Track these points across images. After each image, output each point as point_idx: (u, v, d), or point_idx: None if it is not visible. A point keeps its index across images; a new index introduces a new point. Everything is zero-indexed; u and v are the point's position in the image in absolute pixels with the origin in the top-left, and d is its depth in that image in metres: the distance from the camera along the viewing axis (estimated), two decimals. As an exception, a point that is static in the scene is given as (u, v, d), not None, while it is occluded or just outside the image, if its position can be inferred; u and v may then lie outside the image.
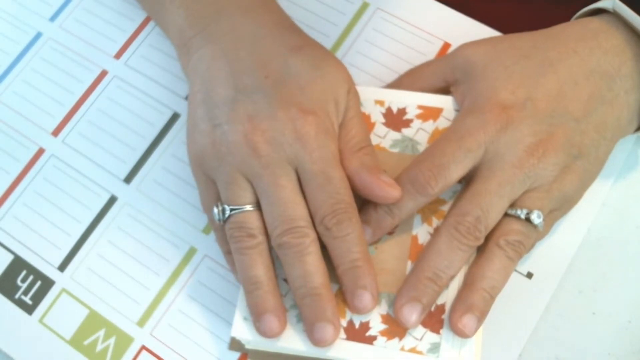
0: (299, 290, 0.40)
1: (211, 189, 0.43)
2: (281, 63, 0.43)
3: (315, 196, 0.41)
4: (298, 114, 0.41)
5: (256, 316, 0.41)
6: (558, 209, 0.42)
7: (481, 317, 0.40)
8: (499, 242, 0.41)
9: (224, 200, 0.42)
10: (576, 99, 0.42)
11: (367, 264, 0.40)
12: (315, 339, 0.40)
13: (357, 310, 0.40)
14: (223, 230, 0.43)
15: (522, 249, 0.41)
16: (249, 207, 0.41)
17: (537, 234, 0.42)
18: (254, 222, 0.41)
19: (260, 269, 0.41)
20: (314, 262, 0.40)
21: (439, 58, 0.48)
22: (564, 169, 0.41)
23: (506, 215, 0.41)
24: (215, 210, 0.42)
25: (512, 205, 0.41)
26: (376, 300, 0.41)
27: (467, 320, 0.40)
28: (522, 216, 0.41)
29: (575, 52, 0.43)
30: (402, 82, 0.48)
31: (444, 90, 0.46)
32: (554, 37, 0.44)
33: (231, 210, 0.41)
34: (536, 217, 0.41)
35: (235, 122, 0.41)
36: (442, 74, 0.46)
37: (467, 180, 0.43)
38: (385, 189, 0.41)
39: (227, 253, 0.43)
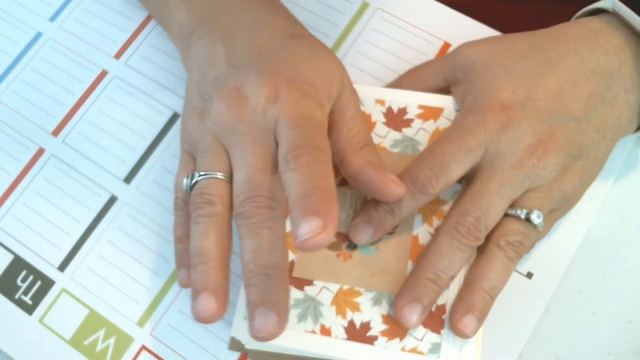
0: (247, 267, 0.36)
1: (189, 165, 0.42)
2: (277, 44, 0.42)
3: (282, 141, 0.37)
4: (285, 83, 0.40)
5: (194, 294, 0.37)
6: (558, 209, 0.42)
7: (481, 318, 0.40)
8: (499, 243, 0.41)
9: (198, 169, 0.40)
10: (576, 99, 0.42)
11: (328, 193, 0.34)
12: (254, 327, 0.35)
13: (302, 245, 0.32)
14: (182, 210, 0.42)
15: (522, 249, 0.41)
16: (219, 175, 0.39)
17: (537, 234, 0.42)
18: (218, 189, 0.39)
19: (211, 240, 0.38)
20: (271, 237, 0.36)
21: (439, 58, 0.48)
22: (564, 169, 0.41)
23: (506, 215, 0.41)
24: (185, 180, 0.41)
25: (512, 205, 0.41)
26: (332, 233, 0.32)
27: (467, 321, 0.40)
28: (522, 216, 0.41)
29: (575, 52, 0.43)
30: (402, 82, 0.48)
31: (444, 90, 0.46)
32: (554, 37, 0.44)
33: (199, 175, 0.40)
34: (536, 217, 0.41)
35: (222, 94, 0.40)
36: (442, 73, 0.46)
37: (467, 180, 0.43)
38: (391, 186, 0.40)
39: (177, 242, 0.42)
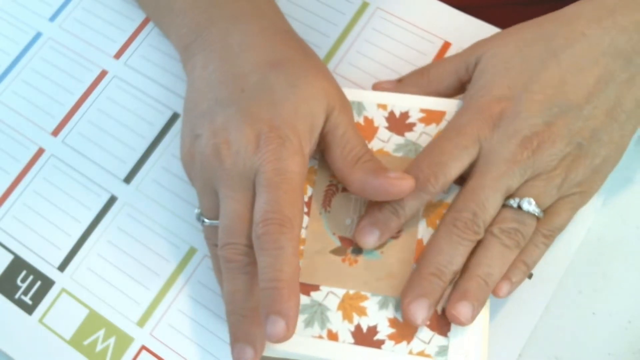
0: (227, 306, 0.41)
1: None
2: (259, 77, 0.43)
3: (256, 204, 0.40)
4: (263, 129, 0.41)
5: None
6: (569, 195, 0.42)
7: (477, 305, 0.40)
8: (492, 231, 0.41)
9: (200, 207, 0.43)
10: (580, 86, 0.41)
11: (289, 286, 0.38)
12: (233, 358, 0.41)
13: (267, 337, 0.38)
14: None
15: (519, 236, 0.41)
16: (216, 222, 0.42)
17: (537, 221, 0.41)
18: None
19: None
20: (245, 283, 0.40)
21: (453, 56, 0.47)
22: (567, 157, 0.41)
23: (503, 206, 0.41)
24: (197, 211, 0.44)
25: (511, 195, 0.41)
26: (292, 330, 0.38)
27: (462, 307, 0.40)
28: (515, 205, 0.41)
29: (584, 35, 0.42)
30: (417, 83, 0.47)
31: (461, 90, 0.46)
32: (563, 21, 0.43)
33: (203, 221, 0.43)
34: (526, 204, 0.41)
35: (209, 135, 0.42)
36: (455, 73, 0.45)
37: (465, 177, 0.43)
38: (396, 184, 0.40)
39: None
